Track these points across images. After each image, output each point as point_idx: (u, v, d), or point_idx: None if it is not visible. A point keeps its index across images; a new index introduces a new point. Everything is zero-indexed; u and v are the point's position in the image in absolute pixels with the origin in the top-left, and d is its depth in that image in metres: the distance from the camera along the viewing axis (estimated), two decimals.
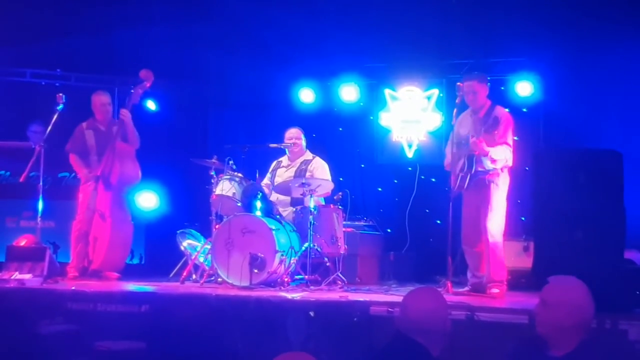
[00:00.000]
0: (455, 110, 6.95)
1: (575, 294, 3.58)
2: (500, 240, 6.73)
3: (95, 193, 7.80)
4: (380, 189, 10.11)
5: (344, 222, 7.93)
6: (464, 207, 6.87)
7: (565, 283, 3.65)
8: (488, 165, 6.66)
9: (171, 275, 7.84)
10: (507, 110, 7.05)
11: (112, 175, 7.89)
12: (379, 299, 6.04)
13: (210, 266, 7.30)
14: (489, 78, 7.07)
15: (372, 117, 10.15)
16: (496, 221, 6.67)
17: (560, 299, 3.57)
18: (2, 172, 9.95)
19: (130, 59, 9.64)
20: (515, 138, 6.88)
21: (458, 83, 6.98)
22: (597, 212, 5.44)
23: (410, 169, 9.84)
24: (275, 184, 7.98)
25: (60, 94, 7.92)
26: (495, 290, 6.56)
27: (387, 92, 10.06)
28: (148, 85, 8.15)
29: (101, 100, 8.17)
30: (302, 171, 8.01)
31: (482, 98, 6.88)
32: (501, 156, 6.64)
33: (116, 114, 8.35)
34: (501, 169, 6.72)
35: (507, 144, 6.70)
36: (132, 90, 8.13)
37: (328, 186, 7.73)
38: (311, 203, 7.34)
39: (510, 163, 6.77)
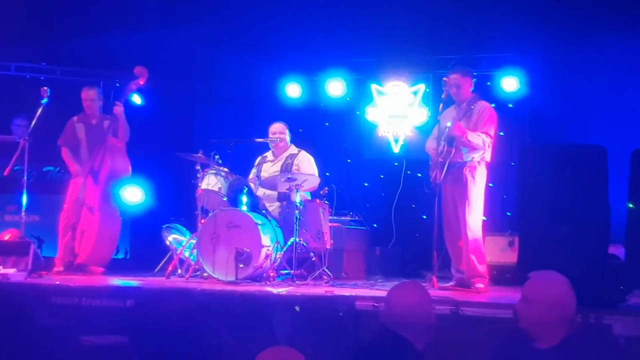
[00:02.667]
0: (441, 105, 6.97)
1: (556, 289, 3.59)
2: (480, 235, 6.77)
3: (84, 187, 7.78)
4: (366, 184, 10.12)
5: (330, 217, 7.92)
6: (443, 202, 6.86)
7: (546, 278, 3.65)
8: (466, 156, 6.70)
9: (156, 270, 7.80)
10: (492, 105, 7.08)
11: (102, 170, 7.88)
12: (364, 294, 6.04)
13: (196, 261, 7.30)
14: (475, 73, 7.08)
15: (358, 112, 10.16)
16: (475, 216, 6.71)
17: (541, 295, 3.58)
18: None
19: (116, 53, 9.62)
20: (501, 133, 6.91)
21: (444, 78, 7.01)
22: (582, 207, 5.44)
23: (396, 164, 9.85)
24: (262, 179, 7.96)
25: (45, 88, 7.89)
26: (480, 285, 6.59)
27: (374, 87, 10.07)
28: (142, 82, 8.13)
29: (87, 95, 8.18)
30: (288, 165, 7.99)
31: (466, 91, 6.89)
32: (479, 141, 6.64)
33: (103, 108, 8.31)
34: (478, 162, 6.74)
35: (487, 134, 6.72)
36: (126, 86, 8.14)
37: (314, 181, 7.72)
38: (297, 198, 7.33)
39: (488, 157, 6.80)
